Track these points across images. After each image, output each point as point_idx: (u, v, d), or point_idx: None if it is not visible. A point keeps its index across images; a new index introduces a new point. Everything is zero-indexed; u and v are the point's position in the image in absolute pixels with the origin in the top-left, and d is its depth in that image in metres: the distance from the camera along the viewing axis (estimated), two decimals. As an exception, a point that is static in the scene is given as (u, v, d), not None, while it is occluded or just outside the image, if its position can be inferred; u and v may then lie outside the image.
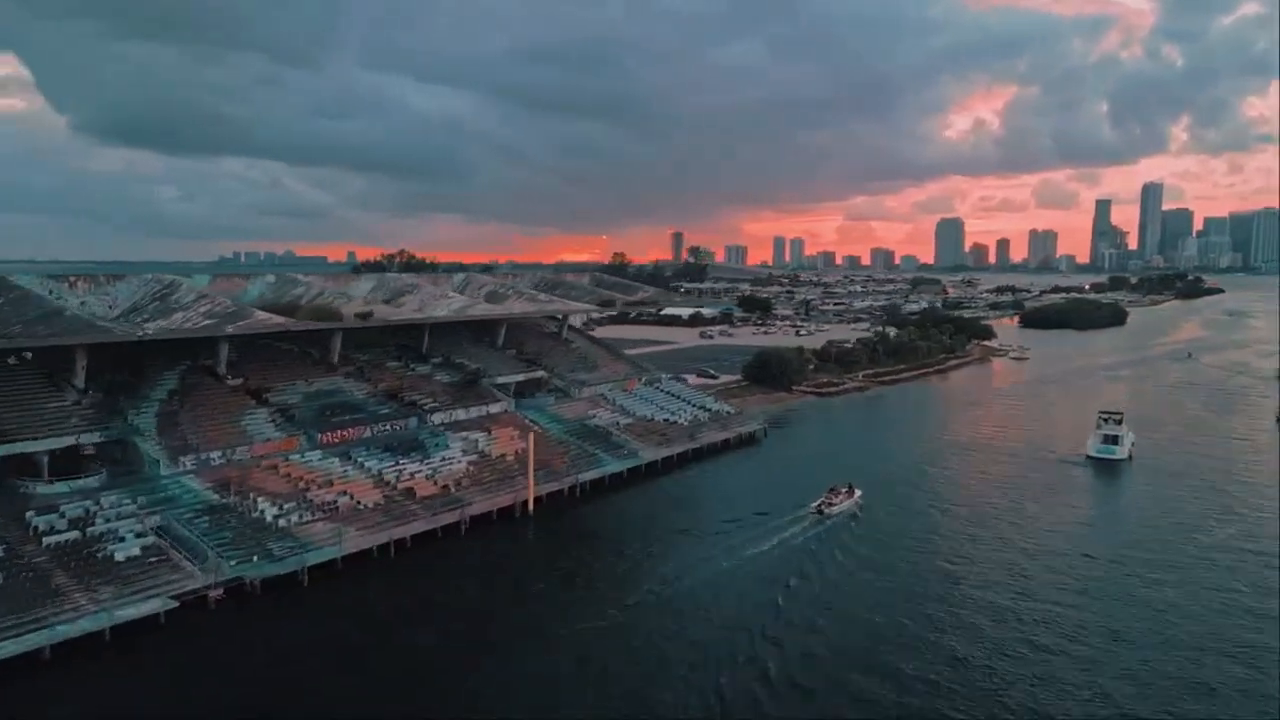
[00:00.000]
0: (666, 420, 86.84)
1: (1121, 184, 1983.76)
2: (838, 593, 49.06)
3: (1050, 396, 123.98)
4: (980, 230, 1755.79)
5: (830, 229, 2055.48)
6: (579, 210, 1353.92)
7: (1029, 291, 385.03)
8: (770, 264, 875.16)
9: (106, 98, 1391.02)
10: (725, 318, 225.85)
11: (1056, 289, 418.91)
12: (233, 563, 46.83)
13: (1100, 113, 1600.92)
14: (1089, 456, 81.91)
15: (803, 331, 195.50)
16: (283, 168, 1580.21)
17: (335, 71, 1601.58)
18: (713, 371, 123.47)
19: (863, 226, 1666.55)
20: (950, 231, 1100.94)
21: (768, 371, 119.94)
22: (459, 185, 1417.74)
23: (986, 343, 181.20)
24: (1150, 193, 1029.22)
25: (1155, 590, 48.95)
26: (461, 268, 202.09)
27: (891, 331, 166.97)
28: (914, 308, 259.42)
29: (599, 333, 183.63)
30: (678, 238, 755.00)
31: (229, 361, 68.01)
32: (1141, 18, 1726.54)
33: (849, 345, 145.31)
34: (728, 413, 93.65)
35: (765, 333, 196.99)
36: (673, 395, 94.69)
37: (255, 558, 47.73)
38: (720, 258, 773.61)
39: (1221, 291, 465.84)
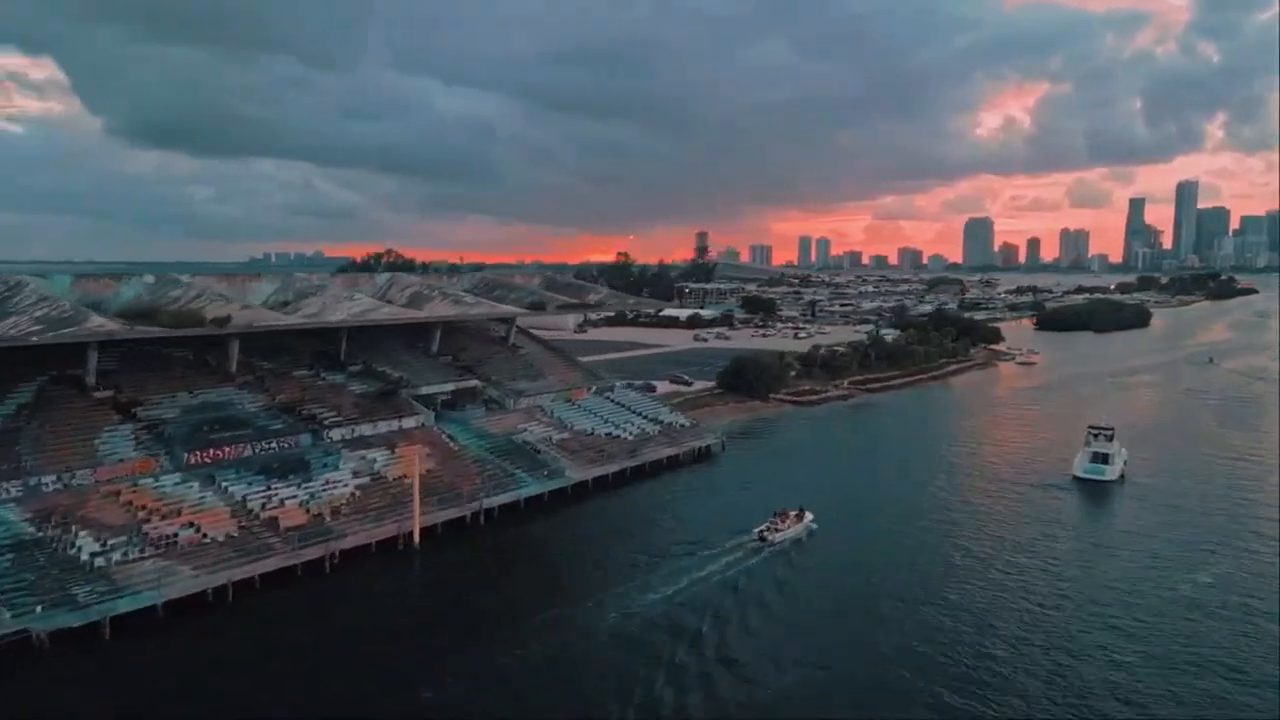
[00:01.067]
0: (609, 434, 79.23)
1: (1156, 182, 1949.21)
2: (749, 646, 41.80)
3: (1049, 406, 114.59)
4: (1011, 230, 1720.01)
5: (858, 229, 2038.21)
6: (606, 210, 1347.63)
7: (1051, 292, 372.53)
8: (795, 264, 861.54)
9: (140, 100, 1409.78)
10: (725, 319, 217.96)
11: (1080, 289, 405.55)
12: (10, 614, 39.95)
13: (1134, 110, 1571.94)
14: (1075, 477, 73.39)
15: (803, 334, 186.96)
16: (312, 169, 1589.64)
17: (364, 73, 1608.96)
18: (687, 378, 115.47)
19: (891, 226, 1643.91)
20: (979, 231, 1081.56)
21: (744, 378, 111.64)
22: (487, 186, 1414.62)
23: (994, 346, 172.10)
24: (1185, 191, 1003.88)
25: (1121, 656, 40.52)
26: (483, 268, 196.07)
27: (889, 334, 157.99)
28: (925, 309, 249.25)
29: (597, 335, 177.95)
30: (701, 237, 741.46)
31: (102, 371, 61.63)
32: (1176, 13, 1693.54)
33: (839, 349, 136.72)
34: (682, 425, 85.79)
35: (764, 335, 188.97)
36: (622, 406, 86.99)
37: (39, 608, 40.75)
38: (745, 257, 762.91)
39: (1255, 292, 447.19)
